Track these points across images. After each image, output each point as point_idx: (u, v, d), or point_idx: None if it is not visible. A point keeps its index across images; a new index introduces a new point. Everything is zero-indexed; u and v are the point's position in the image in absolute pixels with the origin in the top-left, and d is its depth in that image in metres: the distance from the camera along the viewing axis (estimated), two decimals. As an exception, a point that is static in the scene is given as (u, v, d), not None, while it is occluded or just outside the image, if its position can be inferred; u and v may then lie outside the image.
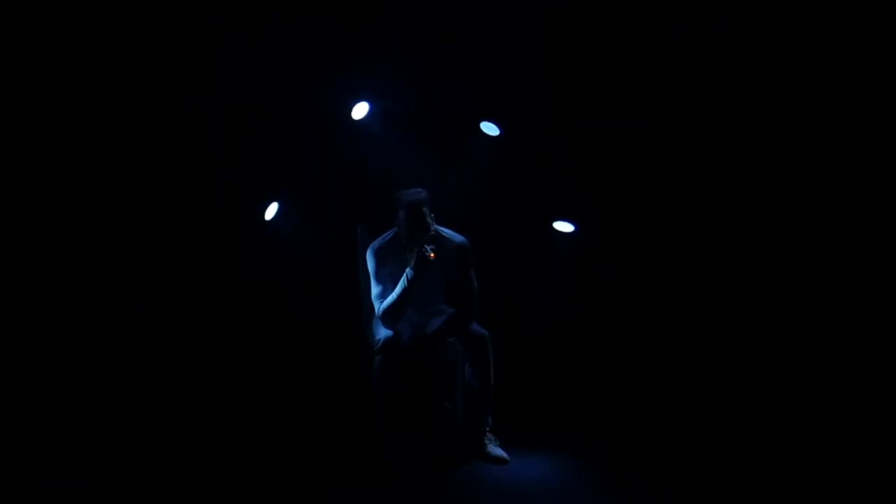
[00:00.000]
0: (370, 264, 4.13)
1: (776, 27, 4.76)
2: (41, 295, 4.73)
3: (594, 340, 4.99)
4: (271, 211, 4.58)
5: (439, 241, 4.11)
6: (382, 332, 4.13)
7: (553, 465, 4.06)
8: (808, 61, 4.73)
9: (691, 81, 4.90)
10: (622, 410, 4.67)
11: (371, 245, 4.17)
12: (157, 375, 4.77)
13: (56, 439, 4.28)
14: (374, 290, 4.12)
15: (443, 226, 4.19)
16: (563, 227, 4.61)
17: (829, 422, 4.29)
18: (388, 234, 4.17)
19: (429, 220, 4.04)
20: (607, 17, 4.93)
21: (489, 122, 4.62)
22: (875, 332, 4.56)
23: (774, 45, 4.77)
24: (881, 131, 4.66)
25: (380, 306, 4.07)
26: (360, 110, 4.60)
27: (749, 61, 4.82)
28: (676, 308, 4.91)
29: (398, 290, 4.00)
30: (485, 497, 3.84)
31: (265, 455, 4.24)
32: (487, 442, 4.19)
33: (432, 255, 3.96)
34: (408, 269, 4.00)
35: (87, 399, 4.60)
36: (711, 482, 3.86)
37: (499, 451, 4.15)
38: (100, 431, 4.37)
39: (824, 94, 4.73)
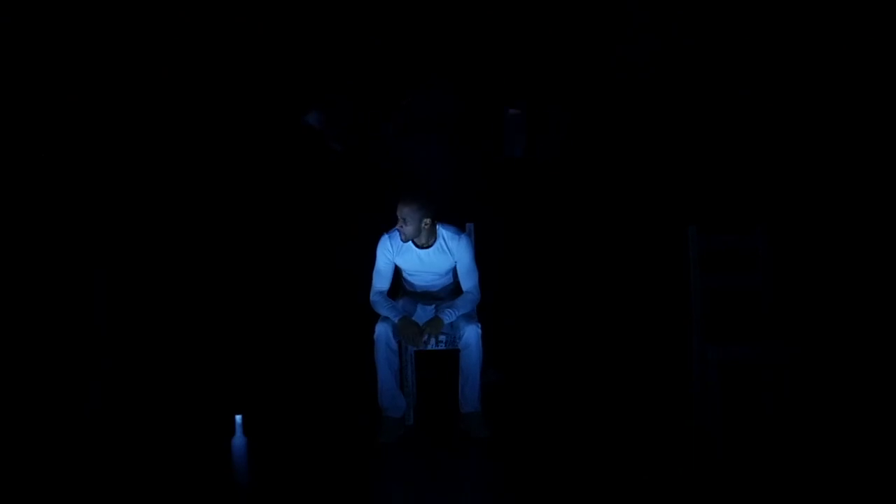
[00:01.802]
0: (378, 250, 4.36)
1: (776, 27, 4.78)
2: (42, 294, 4.74)
3: (594, 340, 4.99)
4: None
5: (441, 239, 4.30)
6: (385, 311, 4.27)
7: (552, 465, 4.06)
8: (809, 61, 4.75)
9: (692, 81, 4.92)
10: (621, 410, 4.67)
11: (384, 234, 4.37)
12: (157, 375, 4.78)
13: (56, 439, 4.29)
14: (374, 271, 4.36)
15: (444, 222, 4.32)
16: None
17: (830, 421, 4.29)
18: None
19: (406, 233, 4.22)
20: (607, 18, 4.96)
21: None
22: (874, 330, 4.56)
23: (774, 45, 4.79)
24: (881, 130, 4.67)
25: (372, 289, 4.33)
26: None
27: (749, 61, 4.84)
28: (676, 307, 4.90)
29: (391, 314, 4.23)
30: (483, 496, 3.85)
31: (264, 455, 4.24)
32: (475, 423, 4.24)
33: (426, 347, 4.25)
34: (407, 344, 4.29)
35: (87, 399, 4.61)
36: (711, 482, 3.86)
37: (485, 433, 4.22)
38: (99, 431, 4.38)
39: (824, 94, 4.74)
